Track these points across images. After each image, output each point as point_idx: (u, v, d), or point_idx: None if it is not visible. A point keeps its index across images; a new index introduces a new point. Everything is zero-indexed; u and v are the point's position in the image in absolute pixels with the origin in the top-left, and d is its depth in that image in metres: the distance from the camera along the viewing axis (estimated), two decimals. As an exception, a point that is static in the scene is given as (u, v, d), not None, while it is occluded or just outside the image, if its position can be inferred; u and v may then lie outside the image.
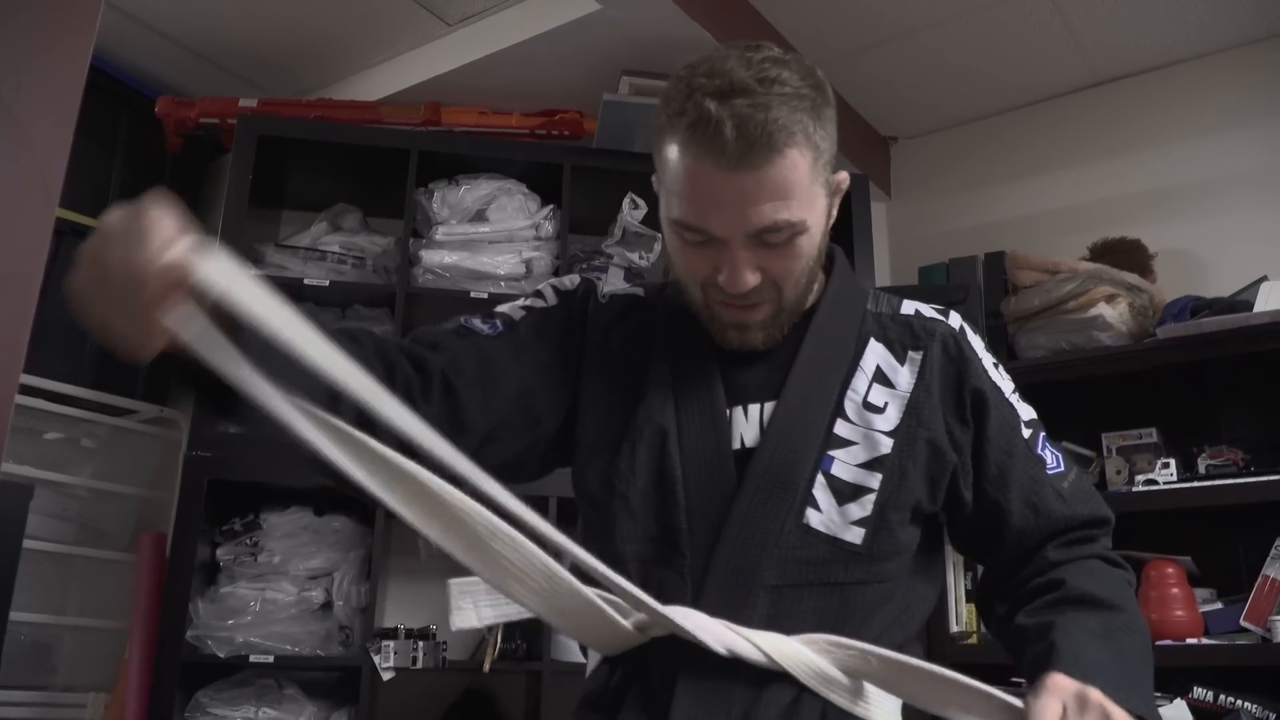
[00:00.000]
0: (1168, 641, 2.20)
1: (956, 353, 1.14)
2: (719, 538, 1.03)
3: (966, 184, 3.07)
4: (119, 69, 2.79)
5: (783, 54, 1.04)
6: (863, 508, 1.06)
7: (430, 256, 2.47)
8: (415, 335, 1.14)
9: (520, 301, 1.20)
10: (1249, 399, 2.44)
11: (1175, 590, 2.25)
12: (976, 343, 1.17)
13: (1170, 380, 2.47)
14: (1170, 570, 2.27)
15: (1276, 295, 2.25)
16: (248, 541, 2.38)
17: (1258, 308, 2.23)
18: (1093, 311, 2.43)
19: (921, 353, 1.13)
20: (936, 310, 1.19)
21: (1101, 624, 1.03)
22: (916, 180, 3.17)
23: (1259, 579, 2.21)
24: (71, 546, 2.60)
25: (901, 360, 1.13)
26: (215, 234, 2.45)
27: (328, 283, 2.45)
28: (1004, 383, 1.15)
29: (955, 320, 1.18)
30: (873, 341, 1.14)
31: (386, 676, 2.24)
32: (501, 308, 1.19)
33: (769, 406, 1.09)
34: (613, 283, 1.24)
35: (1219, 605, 2.29)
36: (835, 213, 1.13)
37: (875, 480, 1.07)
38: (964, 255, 2.74)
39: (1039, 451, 1.13)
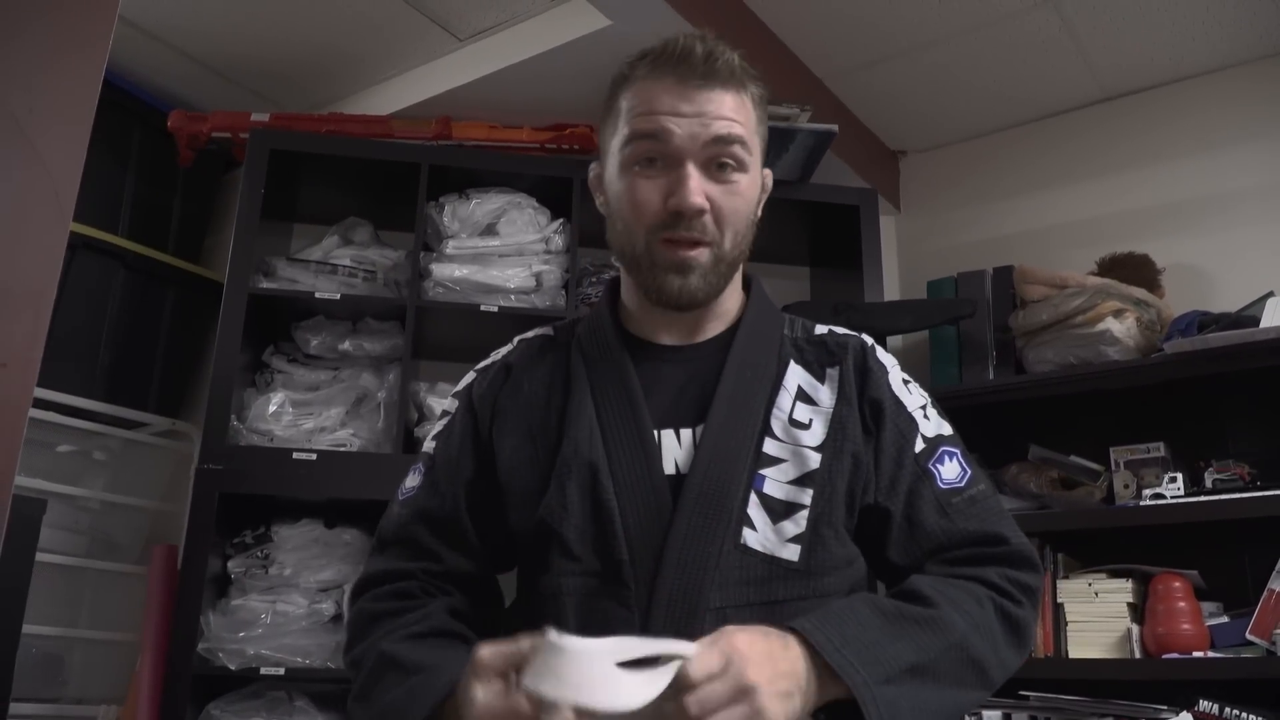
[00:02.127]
0: (1174, 655, 2.21)
1: (862, 365, 1.17)
2: (660, 565, 1.03)
3: (975, 198, 3.08)
4: (131, 83, 2.81)
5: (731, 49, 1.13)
6: (797, 524, 1.07)
7: (441, 270, 2.48)
8: (423, 570, 1.16)
9: (435, 427, 1.23)
10: (1256, 414, 2.44)
11: (1182, 604, 2.26)
12: (885, 359, 1.20)
13: (1178, 395, 2.47)
14: (1177, 584, 2.28)
15: (1284, 310, 2.26)
16: (259, 554, 2.39)
17: (1264, 323, 2.23)
18: (1100, 326, 2.44)
19: (838, 368, 1.16)
20: (848, 331, 1.22)
21: (893, 606, 1.01)
22: (926, 194, 3.18)
23: (1265, 592, 2.21)
24: (83, 559, 2.61)
25: (821, 379, 1.16)
26: (227, 247, 2.46)
27: (338, 296, 2.46)
28: (911, 398, 1.17)
29: (867, 339, 1.21)
30: (792, 363, 1.16)
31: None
32: (425, 445, 1.23)
33: (699, 430, 1.10)
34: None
35: (1225, 619, 2.29)
36: (760, 210, 1.17)
37: (807, 496, 1.08)
38: (972, 270, 2.75)
39: (931, 465, 1.12)
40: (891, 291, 3.04)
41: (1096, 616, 2.37)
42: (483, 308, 2.45)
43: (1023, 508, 2.52)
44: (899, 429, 1.13)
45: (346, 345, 2.53)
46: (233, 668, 2.25)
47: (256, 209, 2.46)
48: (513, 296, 2.49)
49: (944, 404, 2.56)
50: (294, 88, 2.85)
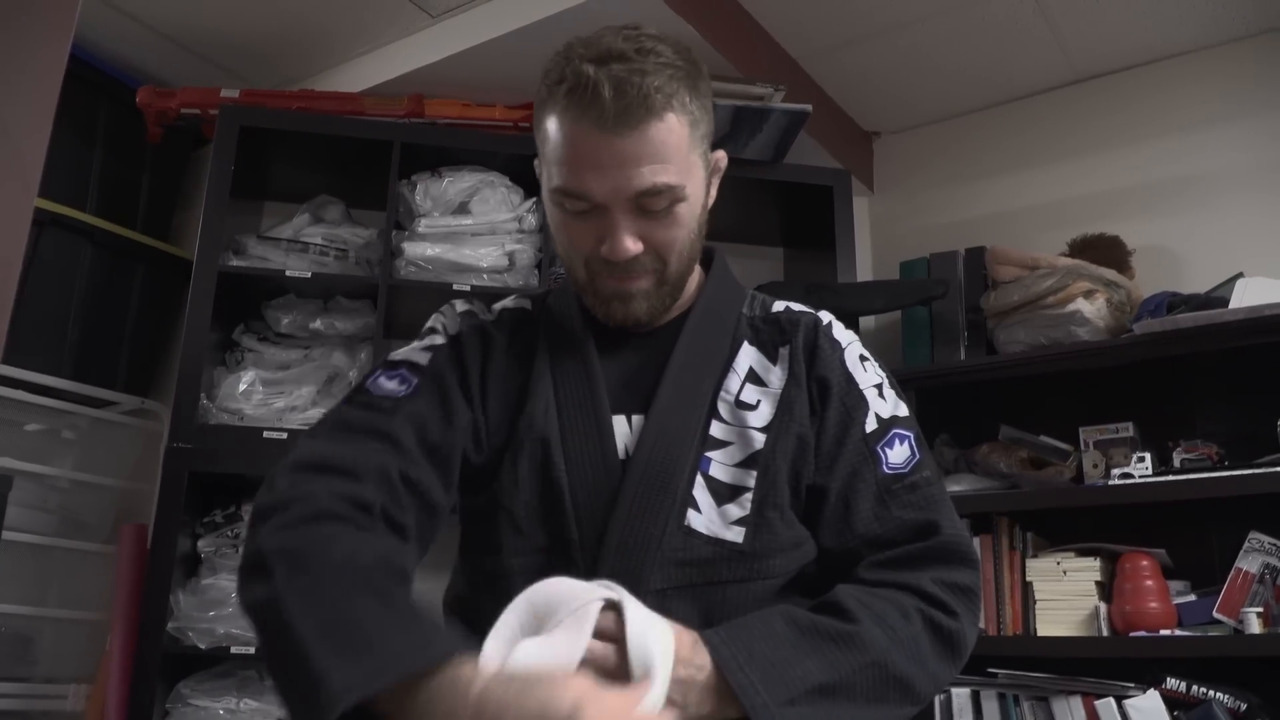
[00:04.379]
0: (1141, 633, 2.23)
1: (813, 342, 1.15)
2: (602, 546, 1.03)
3: (949, 179, 3.08)
4: (99, 58, 2.77)
5: (658, 32, 1.07)
6: (741, 507, 1.06)
7: (413, 249, 2.46)
8: (402, 474, 1.03)
9: (418, 344, 1.16)
10: (1224, 394, 2.47)
11: (1149, 582, 2.28)
12: (841, 335, 1.17)
13: (1147, 375, 2.49)
14: (1145, 563, 2.30)
15: (1252, 291, 2.27)
16: (229, 533, 2.38)
17: (1233, 304, 2.25)
18: (1071, 307, 2.45)
19: (788, 346, 1.14)
20: (807, 308, 1.20)
21: (809, 620, 0.98)
22: (899, 176, 3.18)
23: (1232, 571, 2.24)
24: (52, 538, 2.59)
25: (774, 359, 1.14)
26: (197, 225, 2.44)
27: (309, 274, 2.45)
28: (865, 376, 1.14)
29: (825, 316, 1.19)
30: (745, 344, 1.15)
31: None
32: (398, 355, 1.14)
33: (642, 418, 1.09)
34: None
35: (1193, 597, 2.31)
36: (714, 192, 1.15)
37: (751, 478, 1.07)
38: (945, 250, 2.76)
39: (879, 448, 1.09)
40: (865, 272, 3.05)
41: (1065, 595, 2.39)
42: (455, 286, 2.43)
43: (992, 487, 2.54)
44: (845, 407, 1.11)
45: (318, 324, 2.52)
46: (203, 647, 2.25)
47: (226, 186, 2.44)
48: (485, 276, 2.48)
49: (915, 384, 2.60)
50: (265, 64, 2.82)
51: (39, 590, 2.56)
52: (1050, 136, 2.94)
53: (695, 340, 1.14)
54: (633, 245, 1.05)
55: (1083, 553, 2.41)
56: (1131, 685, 2.20)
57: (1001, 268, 2.59)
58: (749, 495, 1.06)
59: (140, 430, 2.76)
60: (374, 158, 2.53)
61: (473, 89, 2.62)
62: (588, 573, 1.01)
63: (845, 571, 1.06)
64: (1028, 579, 2.44)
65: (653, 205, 1.04)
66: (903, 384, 2.55)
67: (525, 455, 1.07)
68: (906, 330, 2.76)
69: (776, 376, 1.13)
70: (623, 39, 1.03)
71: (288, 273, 2.45)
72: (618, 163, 1.01)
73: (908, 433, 1.12)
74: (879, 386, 1.14)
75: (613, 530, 1.03)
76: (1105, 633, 2.31)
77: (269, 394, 2.41)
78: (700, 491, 1.06)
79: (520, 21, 2.44)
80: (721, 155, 1.16)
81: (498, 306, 1.23)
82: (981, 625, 2.45)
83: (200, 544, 2.39)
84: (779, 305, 1.20)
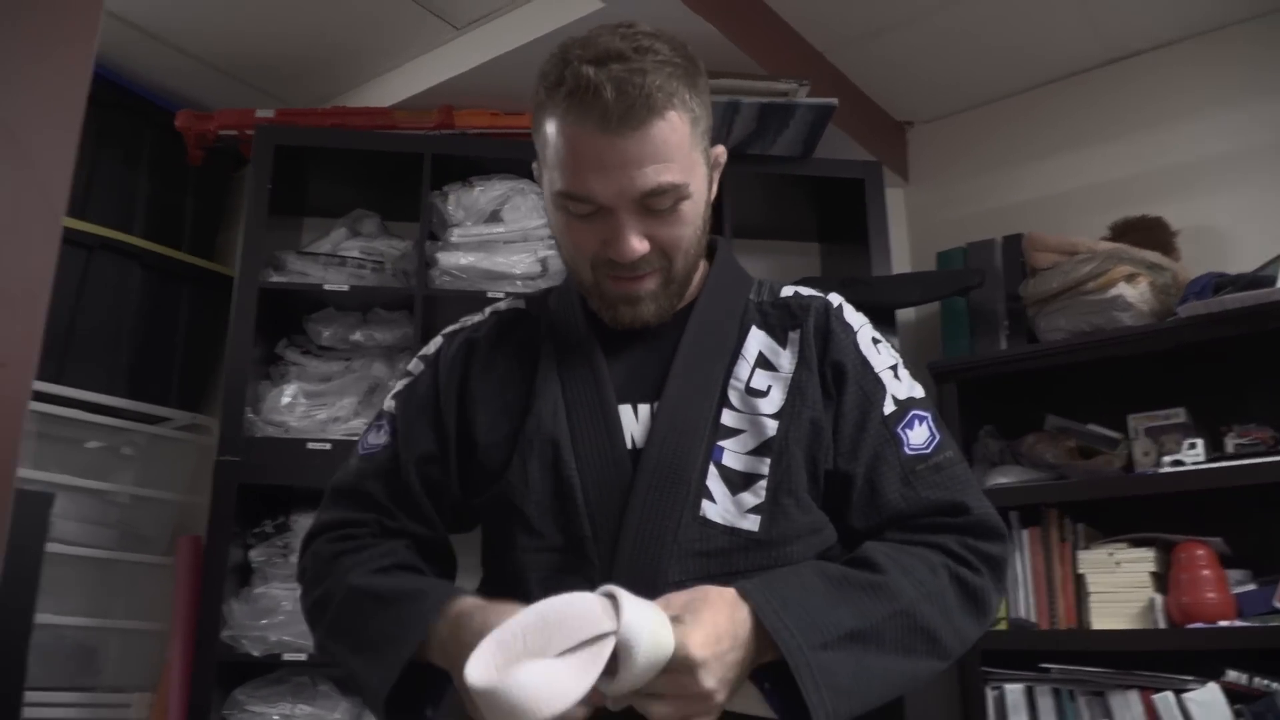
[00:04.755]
0: (1199, 624, 2.17)
1: (825, 326, 1.14)
2: (618, 540, 1.03)
3: (985, 166, 3.03)
4: (141, 85, 2.85)
5: (655, 29, 1.07)
6: (756, 495, 1.06)
7: (447, 258, 2.50)
8: (378, 522, 1.16)
9: (396, 386, 1.23)
10: (1277, 376, 2.39)
11: (1206, 572, 2.22)
12: (852, 319, 1.17)
13: (1196, 359, 2.43)
14: (1200, 552, 2.24)
15: (1301, 269, 2.21)
16: (278, 543, 2.44)
17: (1280, 283, 2.19)
18: (1113, 292, 2.40)
19: (799, 331, 1.14)
20: (817, 291, 1.20)
21: (839, 572, 1.00)
22: (934, 165, 3.14)
23: (1293, 558, 2.18)
24: (113, 551, 2.66)
25: (783, 343, 1.14)
26: (240, 243, 2.50)
27: (347, 288, 2.49)
28: (879, 358, 1.14)
29: (834, 299, 1.18)
30: (754, 329, 1.15)
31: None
32: (386, 401, 1.23)
33: (655, 405, 1.10)
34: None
35: (1252, 586, 2.25)
36: (716, 188, 1.15)
37: (765, 465, 1.07)
38: (982, 239, 2.72)
39: (899, 430, 1.10)
40: (903, 264, 3.02)
41: (1119, 587, 2.34)
42: (489, 294, 2.46)
43: (1039, 478, 2.49)
44: (863, 391, 1.11)
45: (357, 336, 2.56)
46: (256, 654, 2.30)
47: (264, 204, 2.49)
48: (519, 283, 2.50)
49: (956, 376, 2.56)
50: (298, 83, 2.87)
51: (102, 602, 2.63)
52: (1087, 118, 2.87)
53: (702, 329, 1.14)
54: (639, 245, 1.06)
55: (1136, 543, 2.36)
56: (1190, 679, 2.15)
57: (1039, 254, 2.54)
58: (763, 483, 1.06)
59: (194, 445, 2.83)
60: (406, 170, 2.57)
61: (500, 98, 2.65)
62: (604, 568, 1.03)
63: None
64: (1079, 571, 2.39)
65: (658, 205, 1.05)
66: (943, 375, 2.55)
67: (535, 455, 1.09)
68: (945, 321, 2.73)
69: (787, 360, 1.13)
70: (620, 38, 1.04)
71: (326, 287, 2.50)
72: (621, 164, 1.02)
73: (925, 413, 1.13)
74: (894, 368, 1.15)
75: (628, 525, 1.04)
76: (1162, 625, 2.25)
77: (312, 406, 2.46)
78: (714, 481, 1.06)
79: (542, 29, 2.45)
80: (721, 150, 1.15)
81: (489, 310, 1.25)
82: (1034, 619, 2.41)
83: (252, 554, 2.44)
84: (788, 290, 1.20)
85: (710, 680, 0.89)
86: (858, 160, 2.76)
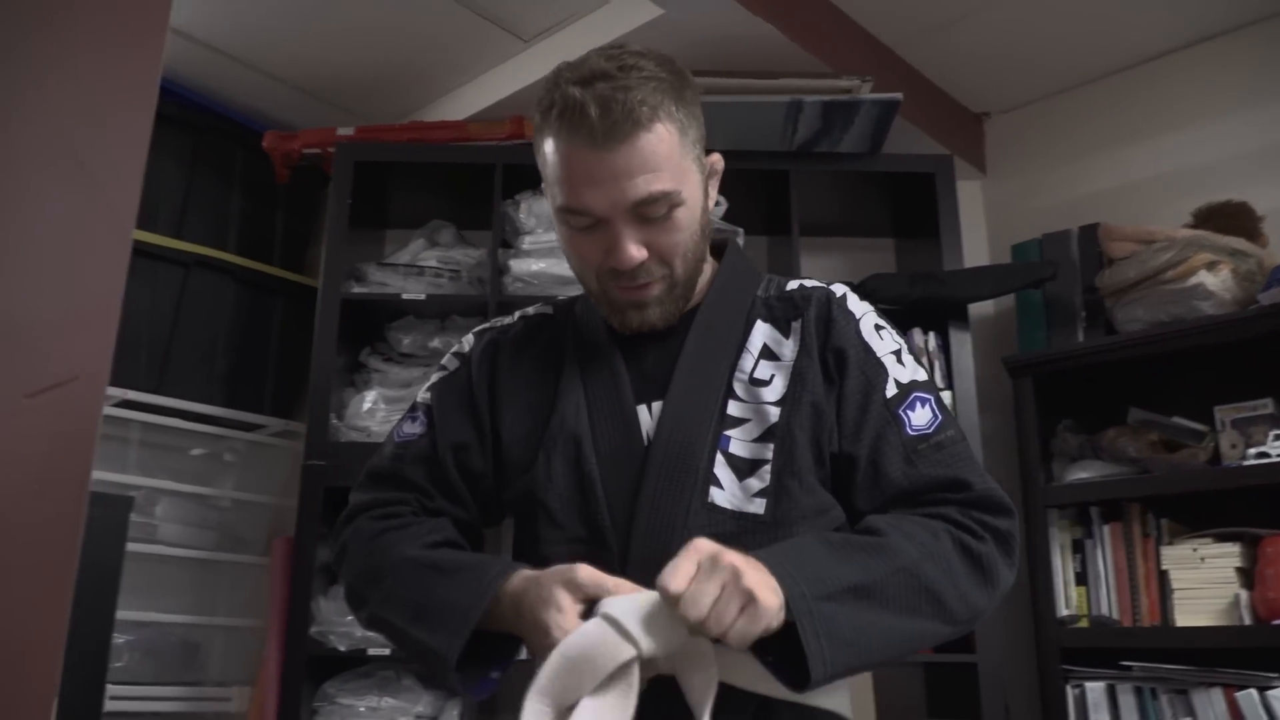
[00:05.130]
0: (1287, 622, 2.11)
1: (826, 314, 1.18)
2: (631, 528, 1.08)
3: (1064, 156, 2.97)
4: (233, 109, 3.00)
5: (642, 49, 1.11)
6: (761, 479, 1.10)
7: (519, 265, 2.56)
8: (418, 501, 1.22)
9: (431, 379, 1.29)
10: (1370, 363, 2.30)
11: (1292, 567, 2.15)
12: (855, 307, 1.19)
13: (1283, 347, 2.35)
14: (1288, 546, 2.17)
15: (1391, 251, 2.12)
16: (363, 544, 2.53)
17: (1367, 266, 2.11)
18: (1192, 280, 2.34)
19: (800, 320, 1.17)
20: (821, 282, 1.23)
21: (841, 537, 1.03)
22: (1013, 156, 3.08)
23: (1383, 553, 2.09)
24: (214, 553, 2.81)
25: (786, 333, 1.17)
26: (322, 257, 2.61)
27: (424, 296, 2.58)
28: (881, 344, 1.17)
29: (839, 289, 1.21)
30: (759, 323, 1.18)
31: (522, 655, 2.35)
32: (420, 393, 1.28)
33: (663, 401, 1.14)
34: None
35: (1344, 582, 2.17)
36: (715, 192, 1.19)
37: (769, 451, 1.11)
38: (1063, 230, 2.67)
39: (901, 411, 1.12)
40: (980, 258, 2.98)
41: (1203, 583, 2.28)
42: (560, 299, 2.51)
43: (1120, 473, 2.44)
44: (865, 375, 1.14)
45: (436, 343, 2.65)
46: (343, 649, 2.40)
47: (344, 219, 2.60)
48: (588, 287, 2.55)
49: (1032, 370, 2.52)
50: (377, 101, 2.99)
51: (204, 601, 2.77)
52: (1168, 103, 2.79)
53: (707, 326, 1.18)
54: (637, 253, 1.10)
55: (1221, 538, 2.30)
56: (1275, 676, 2.09)
57: (1115, 244, 2.49)
58: (768, 467, 1.10)
59: (287, 450, 2.96)
60: (479, 180, 2.64)
61: (569, 107, 2.70)
62: (621, 556, 1.08)
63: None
64: (1163, 567, 2.34)
65: (651, 213, 1.09)
66: (1018, 370, 2.52)
67: (559, 452, 1.15)
68: (1021, 315, 2.69)
69: (789, 349, 1.17)
70: (606, 59, 1.09)
71: (404, 296, 2.59)
72: (612, 176, 1.07)
73: (928, 395, 1.15)
74: (896, 353, 1.17)
75: (640, 513, 1.09)
76: (1247, 621, 2.19)
77: (391, 410, 2.56)
78: (721, 469, 1.10)
79: (606, 37, 2.50)
80: (717, 158, 1.20)
81: (518, 314, 1.31)
82: (1116, 616, 2.37)
83: (338, 554, 2.54)
84: (793, 283, 1.24)
85: (722, 556, 0.93)
86: (928, 154, 2.74)
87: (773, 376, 1.15)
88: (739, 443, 1.12)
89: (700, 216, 1.15)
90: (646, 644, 0.95)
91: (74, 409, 1.22)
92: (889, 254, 3.02)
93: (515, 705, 0.96)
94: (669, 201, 1.09)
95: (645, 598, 0.97)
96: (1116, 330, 2.49)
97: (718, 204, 2.59)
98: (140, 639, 2.60)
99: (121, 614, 2.54)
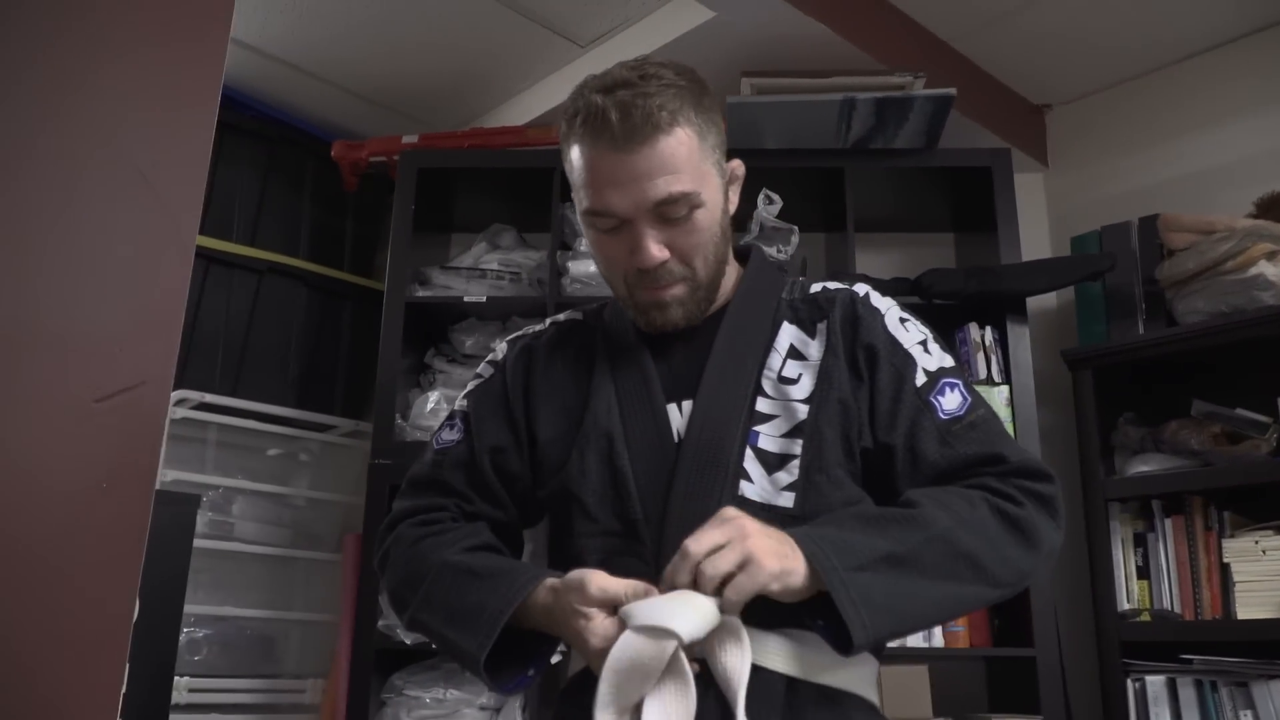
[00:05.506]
0: (1351, 615, 2.08)
1: (852, 314, 1.21)
2: (664, 522, 1.13)
3: (1125, 147, 2.93)
4: (302, 120, 3.10)
5: (664, 60, 1.17)
6: (790, 473, 1.14)
7: (576, 267, 2.62)
8: (458, 507, 1.28)
9: (468, 387, 1.34)
10: None
11: (1359, 559, 2.12)
12: (880, 303, 1.23)
13: (1351, 337, 2.30)
14: (1352, 539, 2.14)
15: None
16: (429, 540, 2.61)
17: None
18: (1252, 271, 2.31)
19: (825, 322, 1.21)
20: (843, 283, 1.26)
21: (875, 511, 1.08)
22: (1074, 148, 3.05)
23: None
24: (289, 549, 2.91)
25: (812, 334, 1.21)
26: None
27: (485, 299, 2.66)
28: (908, 335, 1.20)
29: (861, 288, 1.25)
30: (785, 324, 1.22)
31: (554, 660, 2.41)
32: (457, 401, 1.34)
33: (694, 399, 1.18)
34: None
35: None
36: (737, 197, 1.23)
37: (798, 446, 1.14)
38: (1123, 221, 2.64)
39: (932, 398, 1.16)
40: (1042, 251, 2.95)
41: (1265, 575, 2.25)
42: (590, 307, 2.56)
43: (1182, 466, 2.41)
44: (895, 367, 1.18)
45: (497, 343, 2.71)
46: (408, 643, 2.48)
47: (408, 224, 2.68)
48: (644, 287, 2.59)
49: (1092, 363, 2.50)
50: (440, 108, 3.07)
51: (280, 596, 2.88)
52: (1230, 91, 2.74)
53: (735, 327, 1.22)
54: (659, 252, 1.15)
55: (1284, 530, 2.26)
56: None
57: (1175, 235, 2.46)
58: (796, 462, 1.14)
59: (358, 450, 3.05)
60: (538, 184, 2.71)
61: (625, 110, 2.75)
62: (654, 548, 1.13)
63: None
64: (1225, 560, 2.31)
65: (672, 213, 1.14)
66: (1078, 363, 2.51)
67: (592, 448, 1.19)
68: (1081, 307, 2.67)
69: (815, 350, 1.20)
70: (628, 69, 1.15)
71: (466, 299, 2.66)
72: (634, 177, 1.12)
73: (957, 380, 1.19)
74: (923, 343, 1.21)
75: (673, 508, 1.13)
76: (1310, 614, 2.16)
77: (455, 410, 2.63)
78: (751, 463, 1.14)
79: (660, 41, 2.55)
80: (738, 164, 1.24)
81: (550, 320, 1.38)
82: (1178, 609, 2.35)
83: (406, 550, 2.63)
84: (816, 286, 1.27)
85: (739, 519, 1.01)
86: (984, 148, 2.73)
87: (800, 375, 1.18)
88: (768, 438, 1.15)
89: (721, 219, 1.20)
90: (685, 630, 0.99)
91: (141, 412, 1.30)
92: (948, 249, 3.01)
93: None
94: (689, 203, 1.14)
95: (666, 596, 1.01)
96: (1177, 322, 2.46)
97: (771, 201, 2.62)
98: (218, 633, 2.71)
99: (200, 609, 2.66)
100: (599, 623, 1.03)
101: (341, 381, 3.05)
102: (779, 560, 0.99)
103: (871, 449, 1.17)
